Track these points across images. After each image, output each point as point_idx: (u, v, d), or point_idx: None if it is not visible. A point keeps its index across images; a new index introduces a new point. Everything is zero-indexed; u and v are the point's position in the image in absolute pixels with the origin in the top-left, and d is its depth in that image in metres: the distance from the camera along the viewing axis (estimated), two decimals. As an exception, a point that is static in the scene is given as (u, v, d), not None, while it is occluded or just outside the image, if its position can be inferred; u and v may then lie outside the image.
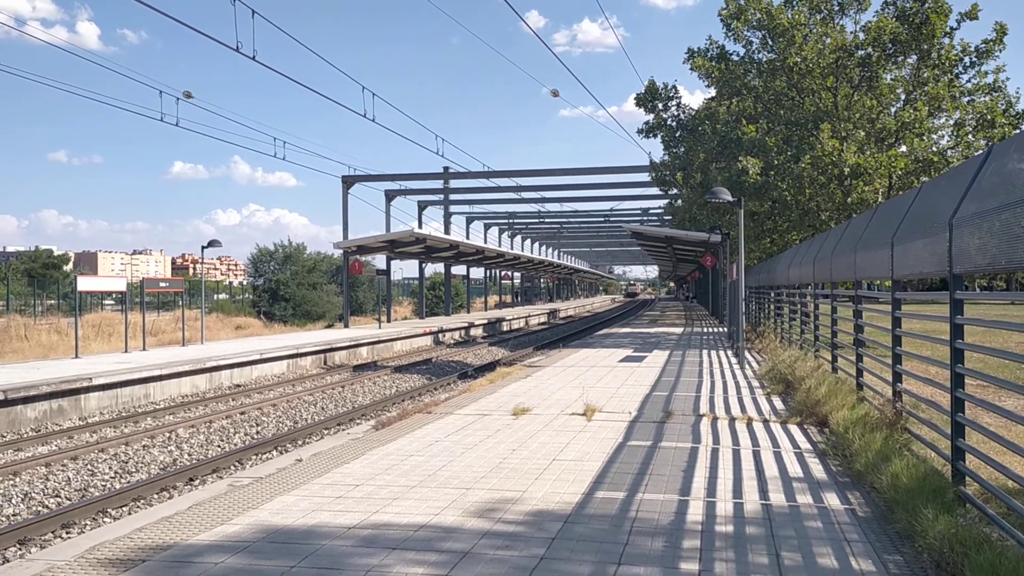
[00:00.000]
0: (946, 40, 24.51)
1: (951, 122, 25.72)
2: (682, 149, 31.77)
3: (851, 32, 26.34)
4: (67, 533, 9.45)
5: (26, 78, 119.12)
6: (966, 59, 25.04)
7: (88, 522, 9.93)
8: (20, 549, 8.92)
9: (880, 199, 23.65)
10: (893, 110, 26.41)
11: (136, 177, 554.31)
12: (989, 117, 24.07)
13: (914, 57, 25.07)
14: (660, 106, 30.86)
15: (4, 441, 14.61)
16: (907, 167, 23.89)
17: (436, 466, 8.36)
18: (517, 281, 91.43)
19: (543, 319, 62.74)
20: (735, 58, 28.24)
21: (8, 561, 8.38)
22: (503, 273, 76.80)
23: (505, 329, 50.31)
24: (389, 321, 44.86)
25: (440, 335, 38.59)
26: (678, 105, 30.99)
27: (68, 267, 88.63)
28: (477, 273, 69.26)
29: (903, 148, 25.15)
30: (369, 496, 7.18)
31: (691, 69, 28.40)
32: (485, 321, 47.35)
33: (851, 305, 12.16)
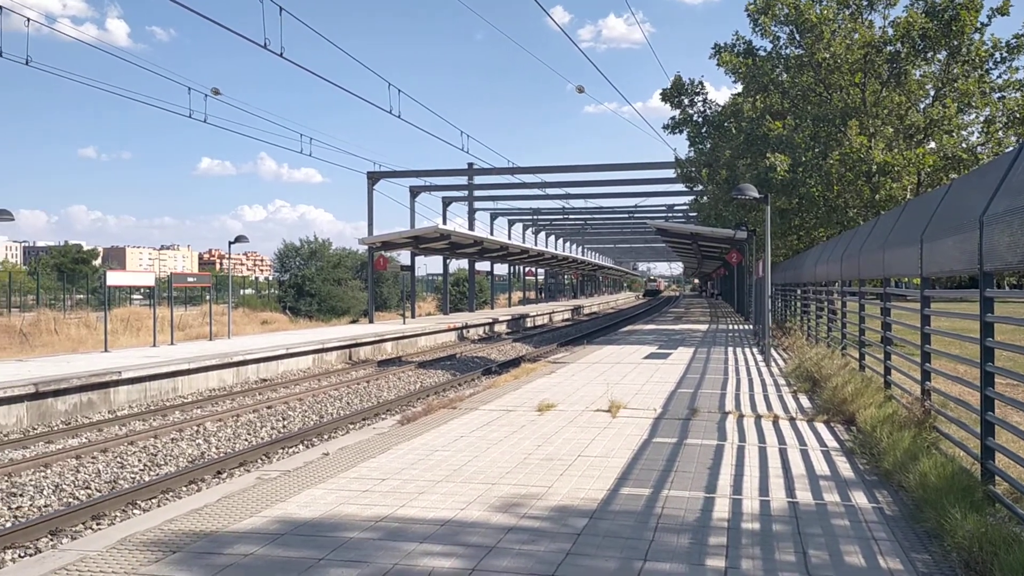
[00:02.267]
0: (976, 36, 24.23)
1: (981, 119, 25.44)
2: (708, 145, 31.65)
3: (880, 28, 26.11)
4: (97, 524, 9.59)
5: (57, 75, 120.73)
6: (997, 55, 24.76)
7: (118, 514, 10.07)
8: (52, 540, 9.06)
9: (909, 196, 23.43)
10: (922, 106, 26.15)
11: (164, 173, 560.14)
12: (1020, 114, 23.77)
13: (944, 53, 24.81)
14: (686, 102, 30.76)
15: (35, 434, 14.83)
16: (936, 164, 23.65)
17: (461, 461, 8.39)
18: (541, 277, 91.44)
19: (567, 315, 62.70)
20: (762, 53, 28.07)
21: (40, 552, 8.51)
22: (527, 269, 76.85)
23: (529, 325, 50.34)
24: (413, 317, 45.02)
25: (464, 331, 38.68)
26: (704, 101, 30.88)
27: (97, 262, 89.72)
28: (501, 269, 69.43)
29: (932, 145, 24.90)
30: (395, 490, 7.23)
31: (718, 65, 28.28)
32: (509, 317, 47.40)
33: (879, 303, 12.07)
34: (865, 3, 26.38)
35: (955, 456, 7.43)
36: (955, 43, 23.99)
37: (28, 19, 19.16)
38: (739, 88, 30.09)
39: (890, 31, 25.09)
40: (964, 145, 24.80)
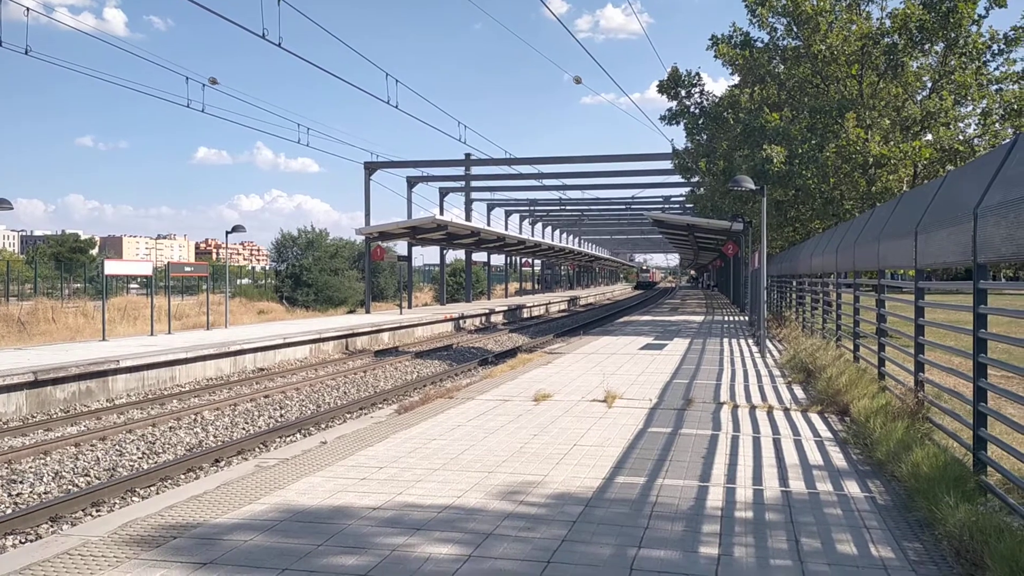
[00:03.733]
0: (974, 28, 24.26)
1: (978, 111, 25.48)
2: (705, 136, 31.69)
3: (877, 19, 26.12)
4: (97, 511, 9.65)
5: (54, 64, 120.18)
6: (994, 46, 24.79)
7: (117, 501, 10.13)
8: (52, 526, 9.12)
9: (905, 188, 23.51)
10: (919, 98, 26.19)
11: (162, 162, 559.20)
12: (1017, 106, 23.82)
13: (941, 45, 24.85)
14: (683, 93, 30.79)
15: (35, 421, 14.88)
16: (932, 156, 23.71)
17: (458, 450, 8.46)
18: (538, 268, 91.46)
19: (563, 306, 62.77)
20: (759, 45, 28.10)
21: (42, 537, 8.57)
22: (524, 260, 76.92)
23: (525, 316, 50.41)
24: (410, 307, 45.06)
25: (461, 321, 38.73)
26: (701, 92, 30.90)
27: (94, 251, 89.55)
28: (498, 260, 69.32)
29: (929, 137, 24.95)
30: (393, 478, 7.29)
31: (715, 56, 28.33)
32: (506, 308, 47.46)
33: (874, 294, 12.13)
34: (863, -6, 26.40)
35: (948, 446, 7.51)
36: (952, 35, 24.03)
37: (27, 8, 19.12)
38: (736, 79, 30.12)
39: (887, 23, 25.12)
40: (961, 137, 24.87)
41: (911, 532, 5.75)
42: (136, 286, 52.35)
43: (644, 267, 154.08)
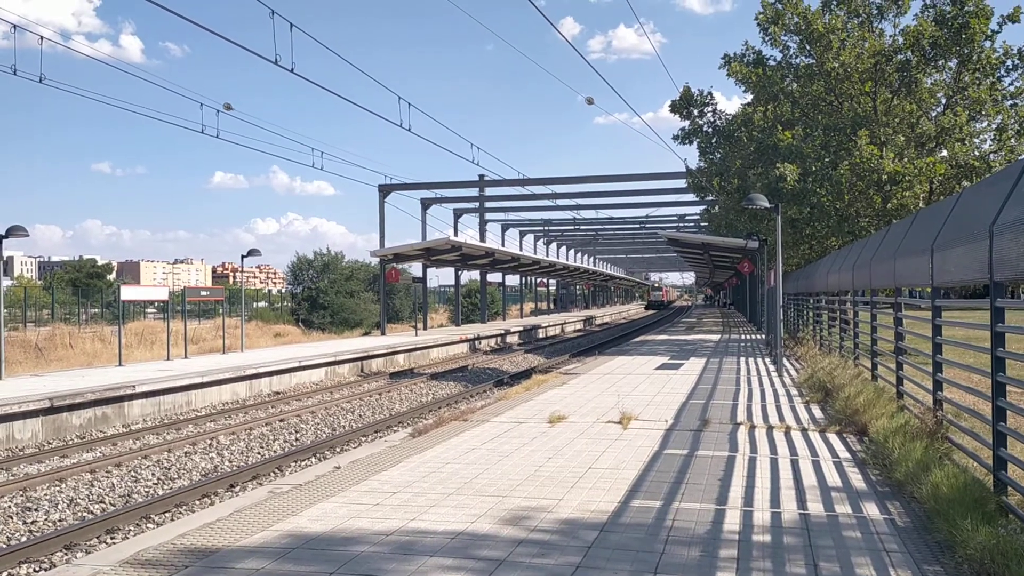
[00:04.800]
0: (987, 43, 24.17)
1: (993, 126, 25.35)
2: (718, 155, 31.64)
3: (890, 36, 26.08)
4: (112, 539, 9.63)
5: (71, 92, 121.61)
6: (1008, 62, 24.67)
7: (132, 527, 10.11)
8: (66, 554, 9.11)
9: (921, 204, 23.37)
10: (933, 115, 26.08)
11: (178, 187, 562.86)
12: (1032, 121, 23.67)
13: (954, 61, 24.76)
14: (696, 112, 30.79)
15: (50, 448, 14.92)
16: (947, 173, 23.57)
17: (472, 474, 8.40)
18: (552, 288, 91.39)
19: (579, 326, 62.64)
20: (772, 63, 28.10)
21: (55, 566, 8.56)
22: (539, 280, 76.90)
23: (541, 336, 50.32)
24: (425, 328, 45.08)
25: (476, 342, 38.70)
26: (714, 111, 30.90)
27: (111, 276, 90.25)
28: (512, 280, 69.40)
29: (944, 153, 24.83)
30: (406, 503, 7.25)
31: (727, 75, 28.33)
32: (521, 328, 47.40)
33: (891, 312, 12.03)
34: (875, 12, 26.38)
35: (968, 467, 7.40)
36: (966, 51, 23.96)
37: (42, 37, 19.36)
38: (749, 98, 30.10)
39: (900, 40, 25.07)
40: (976, 153, 24.72)
41: (931, 555, 5.66)
42: (153, 311, 52.66)
43: (655, 284, 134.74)
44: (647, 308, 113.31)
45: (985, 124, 25.77)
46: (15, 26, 19.12)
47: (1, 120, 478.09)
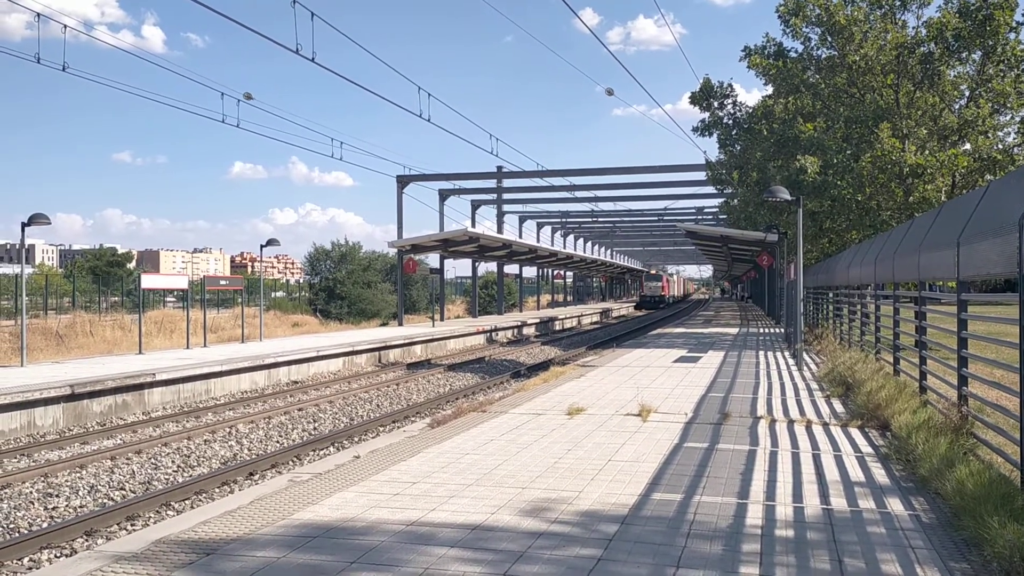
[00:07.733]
0: (1012, 35, 23.87)
1: (1017, 119, 25.06)
2: (738, 147, 31.43)
3: (913, 28, 25.81)
4: (132, 525, 9.69)
5: (94, 81, 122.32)
6: (1034, 54, 24.35)
7: (152, 515, 10.17)
8: (87, 540, 9.16)
9: (943, 198, 23.14)
10: (956, 107, 25.80)
11: (198, 177, 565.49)
12: (1058, 114, 23.39)
13: (978, 53, 24.47)
14: (716, 104, 30.58)
15: (71, 435, 15.03)
16: (970, 166, 23.32)
17: (491, 465, 8.38)
18: (569, 280, 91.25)
19: (596, 318, 62.56)
20: (793, 55, 27.86)
21: (76, 552, 8.61)
22: (556, 272, 76.72)
23: (558, 328, 50.28)
24: (442, 319, 45.12)
25: (493, 334, 38.70)
26: (734, 103, 30.68)
27: (131, 265, 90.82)
28: (530, 272, 69.35)
29: (967, 146, 24.57)
30: (426, 494, 7.24)
31: (748, 67, 28.12)
32: (537, 320, 47.37)
33: (913, 306, 11.90)
34: (898, 3, 26.10)
35: (993, 463, 7.31)
36: (990, 43, 23.67)
37: (65, 26, 19.44)
38: (769, 90, 29.88)
39: (923, 32, 24.80)
40: (1000, 146, 24.44)
41: (958, 552, 5.59)
42: (172, 299, 52.95)
43: (652, 272, 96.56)
44: (637, 308, 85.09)
45: (1009, 117, 25.47)
46: (39, 15, 19.22)
47: (24, 108, 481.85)
